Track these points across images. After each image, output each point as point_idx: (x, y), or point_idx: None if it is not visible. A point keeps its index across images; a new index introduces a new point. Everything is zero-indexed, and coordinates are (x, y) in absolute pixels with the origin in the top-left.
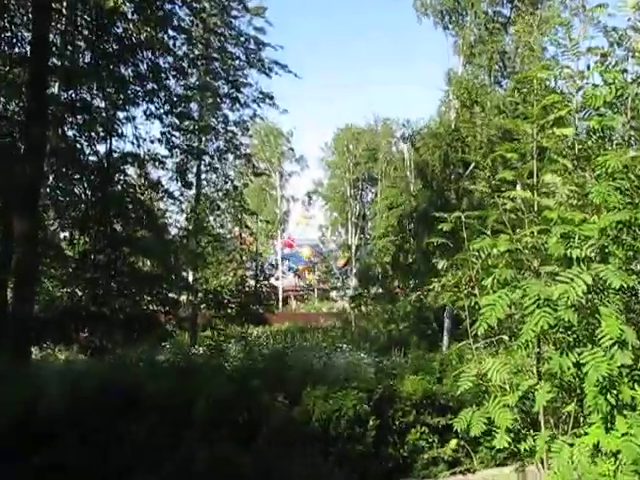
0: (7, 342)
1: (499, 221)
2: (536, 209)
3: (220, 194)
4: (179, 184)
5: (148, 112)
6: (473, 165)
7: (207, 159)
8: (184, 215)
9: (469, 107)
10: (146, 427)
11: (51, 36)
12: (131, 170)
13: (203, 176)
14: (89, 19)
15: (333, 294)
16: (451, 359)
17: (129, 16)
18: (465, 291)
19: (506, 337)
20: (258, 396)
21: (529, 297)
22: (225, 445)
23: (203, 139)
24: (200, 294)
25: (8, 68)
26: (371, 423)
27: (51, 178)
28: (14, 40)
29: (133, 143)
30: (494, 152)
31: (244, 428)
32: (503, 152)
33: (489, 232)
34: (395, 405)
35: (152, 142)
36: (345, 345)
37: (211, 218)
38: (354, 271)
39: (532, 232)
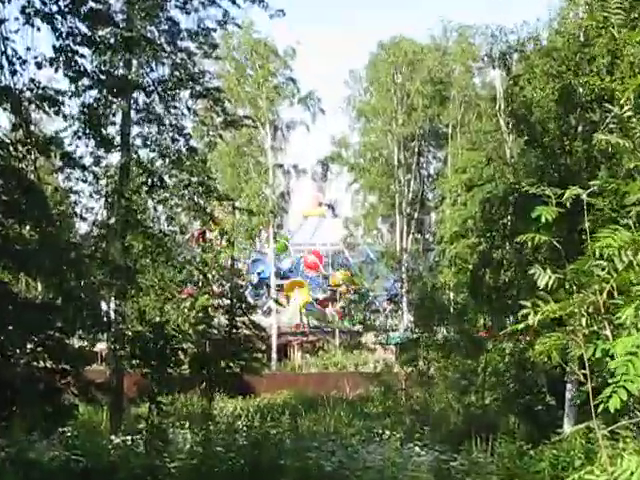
0: None
1: None
2: None
3: (165, 161)
4: (89, 142)
5: (30, 8)
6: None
7: (141, 98)
8: (101, 199)
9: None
10: None
11: None
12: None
13: (135, 130)
14: None
15: (368, 338)
16: (573, 456)
17: None
18: (585, 330)
19: None
20: None
21: None
22: None
23: (133, 62)
24: (128, 339)
25: None
26: None
27: None
28: None
29: (1, 68)
30: None
31: None
32: None
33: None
34: None
35: (38, 65)
36: (387, 431)
37: (150, 203)
38: (405, 298)
39: None
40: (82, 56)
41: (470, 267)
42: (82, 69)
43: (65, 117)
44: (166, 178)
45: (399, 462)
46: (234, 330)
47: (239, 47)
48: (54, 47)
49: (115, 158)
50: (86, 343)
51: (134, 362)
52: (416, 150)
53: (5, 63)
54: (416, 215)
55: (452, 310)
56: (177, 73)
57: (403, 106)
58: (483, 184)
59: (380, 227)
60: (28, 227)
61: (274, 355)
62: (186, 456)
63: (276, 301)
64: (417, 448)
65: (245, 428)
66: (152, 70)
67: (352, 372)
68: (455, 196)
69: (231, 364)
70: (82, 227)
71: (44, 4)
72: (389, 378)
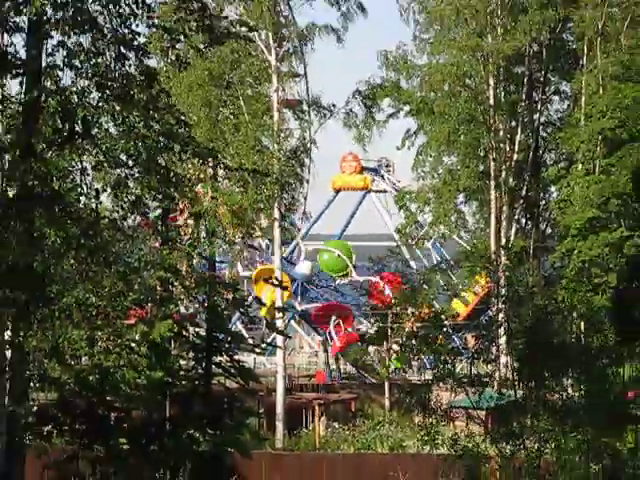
0: None
1: None
2: None
3: (102, 95)
4: None
5: None
6: None
7: None
8: None
9: None
10: None
11: None
12: None
13: (53, 39)
14: None
15: (440, 397)
16: None
17: None
18: None
19: None
20: None
21: None
22: None
23: None
24: (35, 394)
25: None
26: None
27: None
28: None
29: None
30: None
31: None
32: None
33: None
34: None
35: None
36: None
37: (74, 168)
38: (503, 332)
39: None
40: None
41: (613, 280)
42: None
43: None
44: (106, 122)
45: None
46: (209, 379)
47: None
48: None
49: (17, 86)
50: None
51: (44, 430)
52: (525, 80)
53: None
54: (524, 190)
55: (581, 352)
56: None
57: (504, 6)
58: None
59: (462, 209)
60: None
61: (280, 423)
62: None
63: (282, 333)
64: None
65: None
66: None
67: (412, 454)
68: (591, 159)
69: (202, 436)
70: None
71: None
72: (474, 465)
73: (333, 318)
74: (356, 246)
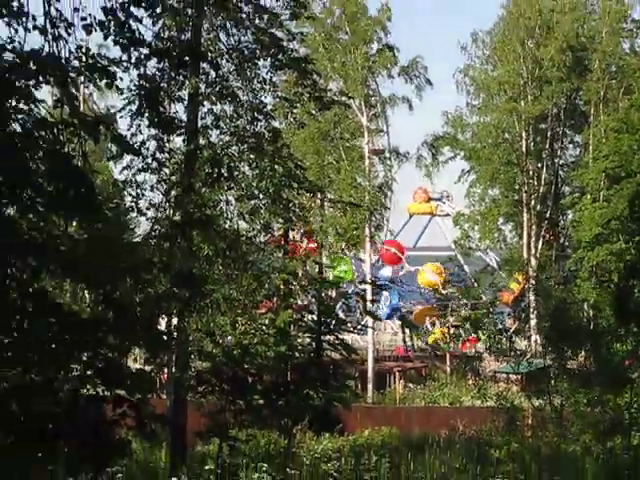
0: None
1: None
2: None
3: (241, 148)
4: (149, 124)
5: None
6: None
7: (212, 70)
8: (161, 192)
9: None
10: None
11: None
12: (43, 91)
13: (204, 108)
14: None
15: (489, 364)
16: None
17: None
18: None
19: None
20: None
21: None
22: None
23: (204, 24)
24: (194, 364)
25: None
26: None
27: None
28: None
29: (44, 32)
30: None
31: None
32: None
33: None
34: None
35: (87, 29)
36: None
37: (221, 200)
38: (533, 317)
39: None
40: (138, 20)
41: (615, 279)
42: (139, 35)
43: (121, 92)
44: (243, 167)
45: None
46: (320, 352)
47: (328, 8)
48: (104, 8)
49: (181, 143)
50: (148, 367)
51: (201, 390)
52: (549, 133)
53: (48, 26)
54: (548, 214)
55: (590, 331)
56: (258, 38)
57: (534, 79)
58: (633, 175)
59: (502, 228)
60: (75, 224)
61: (370, 384)
62: None
63: (372, 315)
64: None
65: (334, 473)
66: (227, 35)
67: (467, 407)
68: (597, 190)
69: (316, 393)
70: (142, 225)
71: None
72: (513, 415)
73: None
74: (424, 255)
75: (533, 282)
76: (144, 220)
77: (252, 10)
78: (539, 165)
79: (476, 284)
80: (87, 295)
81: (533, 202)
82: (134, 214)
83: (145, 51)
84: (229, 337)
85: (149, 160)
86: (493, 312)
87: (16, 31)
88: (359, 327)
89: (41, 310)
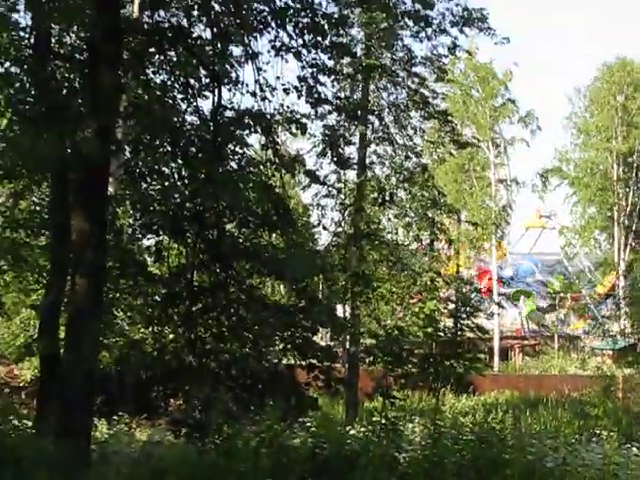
0: (56, 415)
1: None
2: None
3: (398, 178)
4: (330, 161)
5: (278, 44)
6: None
7: (376, 121)
8: (340, 212)
9: None
10: None
11: None
12: (252, 138)
13: (370, 149)
14: None
15: (587, 343)
16: None
17: None
18: None
19: None
20: None
21: None
22: None
23: (370, 87)
24: (364, 340)
25: None
26: None
27: (127, 150)
28: None
29: (255, 95)
30: None
31: None
32: None
33: None
34: None
35: (286, 92)
36: (605, 432)
37: (383, 218)
38: (623, 306)
39: None
40: (323, 84)
41: None
42: (323, 96)
43: (309, 137)
44: (399, 193)
45: (619, 461)
46: (459, 332)
47: (464, 72)
48: (299, 77)
49: (353, 175)
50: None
51: (369, 361)
52: (635, 165)
53: (257, 91)
54: (634, 226)
55: None
56: (411, 96)
57: (623, 124)
58: None
59: (598, 238)
60: (275, 236)
61: (496, 357)
62: (417, 447)
63: (499, 305)
64: (634, 449)
65: (470, 424)
66: (388, 93)
67: (571, 375)
68: None
69: (456, 364)
70: (323, 237)
71: (291, 38)
72: (608, 381)
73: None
74: (539, 260)
75: (622, 279)
76: (325, 233)
77: (406, 75)
78: (627, 189)
79: (577, 281)
80: (282, 289)
81: (622, 218)
82: (319, 229)
83: (328, 107)
84: (389, 321)
85: (330, 189)
86: (594, 302)
87: (234, 94)
88: (488, 313)
89: (254, 301)
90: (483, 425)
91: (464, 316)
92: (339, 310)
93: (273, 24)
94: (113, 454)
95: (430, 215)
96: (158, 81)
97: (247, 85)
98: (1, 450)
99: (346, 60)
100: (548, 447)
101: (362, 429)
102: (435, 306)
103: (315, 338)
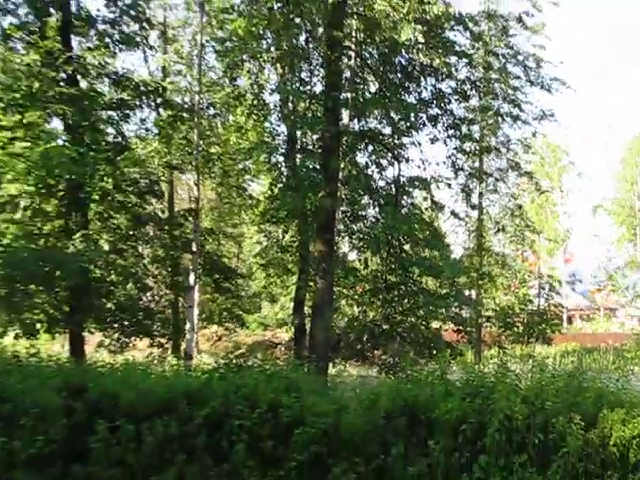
0: (308, 358)
1: None
2: None
3: (503, 213)
4: (464, 205)
5: (432, 136)
6: None
7: (490, 179)
8: (468, 235)
9: None
10: (440, 446)
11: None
12: (417, 193)
13: (486, 196)
14: (376, 51)
15: (621, 314)
16: None
17: (413, 45)
18: None
19: None
20: (553, 418)
21: None
22: (521, 470)
23: (485, 159)
24: (485, 312)
25: (308, 104)
26: None
27: (345, 203)
28: (310, 78)
29: (419, 167)
30: None
31: (540, 451)
32: None
33: None
34: None
35: (437, 165)
36: (636, 367)
37: (494, 239)
38: None
39: None
40: (458, 158)
41: None
42: (459, 166)
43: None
44: (505, 222)
45: None
46: (544, 307)
47: (541, 146)
48: (447, 156)
49: (475, 212)
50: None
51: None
52: None
53: (420, 164)
54: None
55: None
56: (509, 163)
57: None
58: None
59: (627, 247)
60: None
61: (565, 322)
62: (521, 380)
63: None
64: None
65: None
66: (495, 162)
67: (613, 333)
68: None
69: (542, 326)
70: (459, 250)
71: (440, 133)
72: (637, 337)
73: None
74: None
75: None
76: (459, 247)
77: (505, 150)
78: None
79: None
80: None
81: None
82: (454, 245)
83: (463, 173)
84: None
85: (461, 221)
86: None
87: (406, 167)
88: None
89: (422, 290)
90: (560, 366)
91: (547, 297)
92: (473, 295)
93: (429, 125)
94: (340, 383)
95: (523, 235)
96: (361, 161)
97: (413, 161)
98: (285, 380)
99: (471, 143)
100: (608, 378)
101: (486, 369)
102: (526, 291)
103: None
